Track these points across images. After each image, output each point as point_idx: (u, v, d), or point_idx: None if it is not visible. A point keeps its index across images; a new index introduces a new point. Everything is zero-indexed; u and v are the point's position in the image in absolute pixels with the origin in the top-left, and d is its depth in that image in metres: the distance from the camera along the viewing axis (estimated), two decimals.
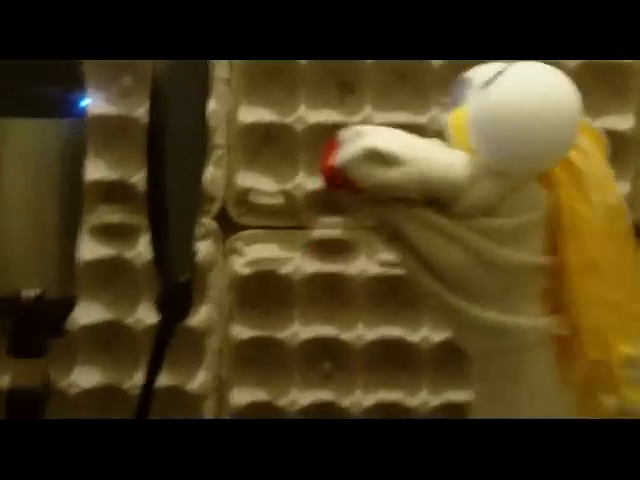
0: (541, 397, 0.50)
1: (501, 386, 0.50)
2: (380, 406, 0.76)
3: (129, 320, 0.73)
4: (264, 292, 0.76)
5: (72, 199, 0.51)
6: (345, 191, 0.48)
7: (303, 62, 0.73)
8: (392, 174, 0.46)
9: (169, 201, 0.50)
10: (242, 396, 0.76)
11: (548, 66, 0.47)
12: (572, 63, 0.73)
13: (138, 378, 0.73)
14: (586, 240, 0.48)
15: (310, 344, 0.76)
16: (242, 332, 0.75)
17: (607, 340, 0.49)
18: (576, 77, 0.57)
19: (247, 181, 0.75)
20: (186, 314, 0.55)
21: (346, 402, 0.75)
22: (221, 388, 0.77)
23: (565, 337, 0.49)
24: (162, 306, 0.53)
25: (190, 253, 0.57)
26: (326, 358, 0.77)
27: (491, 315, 0.47)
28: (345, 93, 0.74)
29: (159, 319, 0.53)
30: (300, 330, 0.76)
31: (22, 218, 0.51)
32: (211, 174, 0.72)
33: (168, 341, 0.54)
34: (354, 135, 0.48)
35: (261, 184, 0.75)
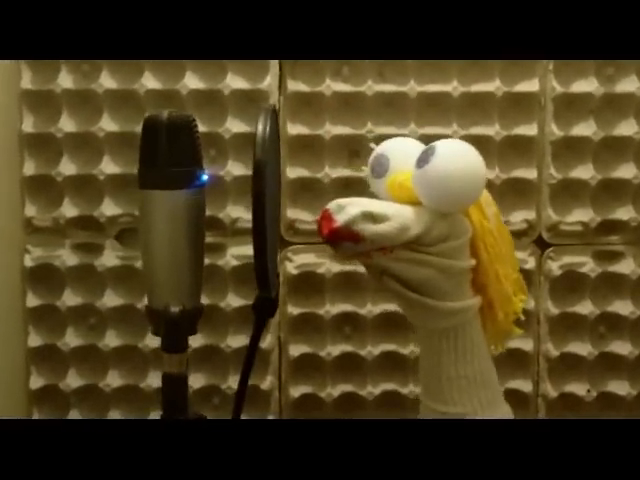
0: (479, 348, 0.55)
1: (453, 352, 0.54)
2: (385, 353, 0.87)
3: (221, 304, 0.87)
4: (306, 284, 0.87)
5: (197, 240, 0.57)
6: (347, 242, 0.51)
7: (327, 137, 0.84)
8: (382, 227, 0.51)
9: (268, 231, 0.53)
10: (296, 349, 0.88)
11: (465, 144, 0.52)
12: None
13: (229, 341, 0.87)
14: (488, 241, 0.55)
15: (336, 316, 0.88)
16: (294, 310, 0.88)
17: (510, 298, 0.56)
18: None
19: (293, 215, 0.88)
20: (274, 314, 0.59)
21: (362, 352, 0.87)
22: (282, 346, 0.88)
23: (482, 308, 0.56)
24: (259, 311, 0.57)
25: (277, 275, 0.63)
26: (346, 324, 0.88)
27: (447, 304, 0.53)
28: (354, 157, 0.86)
29: (255, 319, 0.57)
30: (330, 308, 0.87)
31: (167, 258, 0.56)
32: None
33: (261, 333, 0.59)
34: (343, 205, 0.52)
35: (302, 216, 0.88)
